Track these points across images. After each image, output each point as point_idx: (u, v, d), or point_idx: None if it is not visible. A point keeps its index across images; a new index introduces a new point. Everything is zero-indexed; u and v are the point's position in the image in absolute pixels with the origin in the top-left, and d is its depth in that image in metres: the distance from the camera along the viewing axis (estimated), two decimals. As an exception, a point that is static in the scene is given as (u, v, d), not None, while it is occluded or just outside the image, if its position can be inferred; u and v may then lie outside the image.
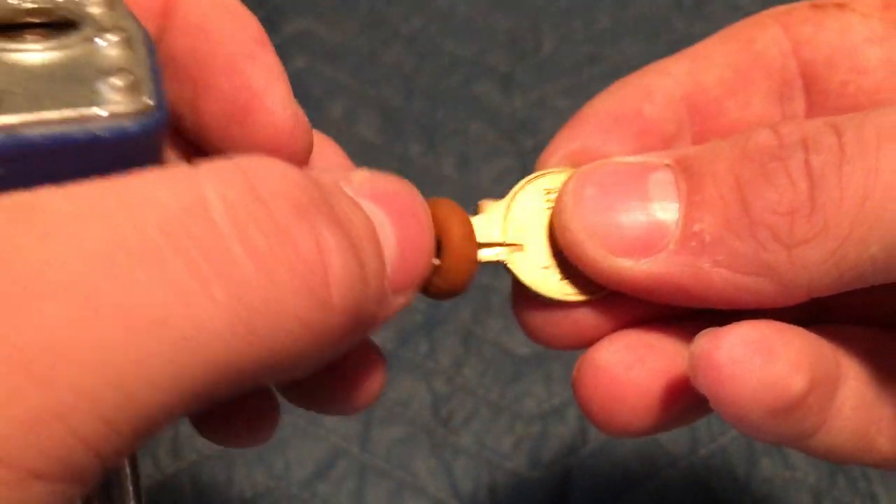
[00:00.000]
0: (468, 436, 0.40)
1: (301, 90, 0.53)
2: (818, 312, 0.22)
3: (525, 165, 0.49)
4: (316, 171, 0.18)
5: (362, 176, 0.18)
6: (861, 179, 0.18)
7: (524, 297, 0.22)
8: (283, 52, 0.55)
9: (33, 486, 0.13)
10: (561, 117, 0.51)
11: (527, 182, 0.22)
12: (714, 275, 0.19)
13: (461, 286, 0.21)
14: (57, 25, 0.19)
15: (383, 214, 0.18)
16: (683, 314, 0.21)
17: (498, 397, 0.41)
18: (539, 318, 0.22)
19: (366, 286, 0.16)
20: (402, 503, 0.38)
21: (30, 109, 0.16)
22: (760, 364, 0.18)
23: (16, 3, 0.19)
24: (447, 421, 0.40)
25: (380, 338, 0.43)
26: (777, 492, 0.38)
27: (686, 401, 0.20)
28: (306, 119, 0.21)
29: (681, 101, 0.22)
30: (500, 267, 0.50)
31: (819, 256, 0.18)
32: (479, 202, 0.22)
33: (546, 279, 0.21)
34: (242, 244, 0.14)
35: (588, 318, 0.21)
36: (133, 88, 0.17)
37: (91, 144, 0.16)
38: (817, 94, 0.22)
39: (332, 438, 0.40)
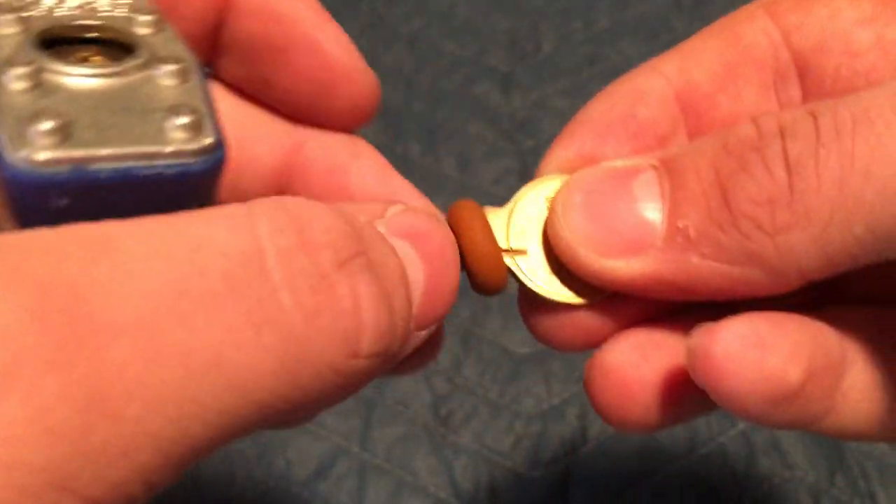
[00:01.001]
0: (468, 435, 0.40)
1: (301, 90, 0.53)
2: (827, 295, 0.22)
3: (525, 165, 0.49)
4: (354, 206, 0.19)
5: (396, 212, 0.19)
6: (837, 163, 0.18)
7: (530, 302, 0.22)
8: (284, 52, 0.56)
9: None
10: (561, 117, 0.51)
11: (527, 189, 0.22)
12: (703, 268, 0.19)
13: (493, 285, 0.21)
14: (106, 43, 0.19)
15: (414, 254, 0.19)
16: (687, 309, 0.22)
17: (497, 397, 0.41)
18: (546, 322, 0.22)
19: (393, 331, 0.17)
20: (402, 502, 0.38)
21: (98, 142, 0.16)
22: (755, 357, 0.18)
23: (63, 13, 0.19)
24: (447, 420, 0.40)
25: (380, 337, 0.43)
26: (776, 491, 0.38)
27: (694, 394, 0.20)
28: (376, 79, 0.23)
29: (673, 99, 0.22)
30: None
31: (804, 242, 0.18)
32: (483, 209, 0.22)
33: (549, 284, 0.21)
34: (291, 294, 0.15)
35: (594, 320, 0.22)
36: (196, 126, 0.17)
37: (154, 180, 0.17)
38: (812, 80, 0.22)
39: (332, 438, 0.40)
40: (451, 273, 0.19)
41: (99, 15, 0.19)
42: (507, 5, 0.56)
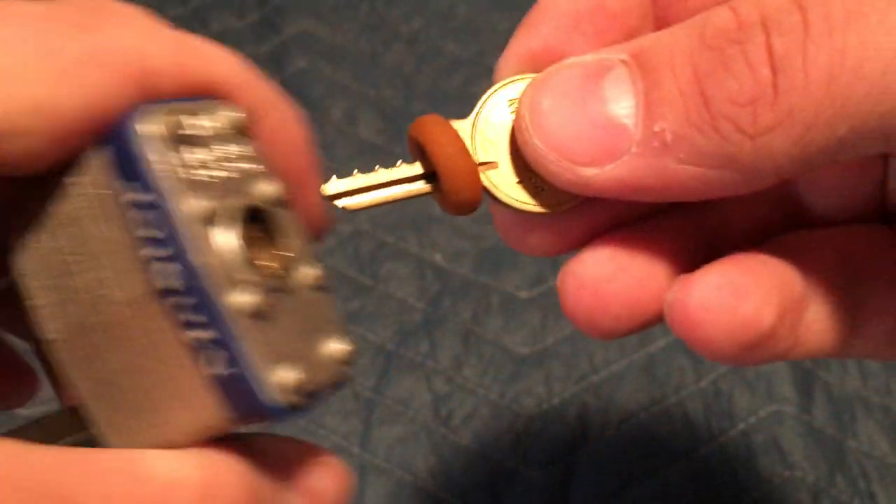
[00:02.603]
0: (468, 435, 0.40)
1: (302, 91, 0.53)
2: (793, 216, 0.22)
3: (525, 166, 0.49)
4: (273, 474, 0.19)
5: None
6: (826, 61, 0.17)
7: (503, 211, 0.22)
8: (284, 52, 0.56)
9: None
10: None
11: (489, 96, 0.21)
12: (680, 172, 0.19)
13: (470, 204, 0.20)
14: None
15: None
16: (659, 211, 0.21)
17: (498, 397, 0.41)
18: (520, 229, 0.22)
19: None
20: (402, 502, 0.38)
21: (316, 378, 0.19)
22: (730, 305, 0.19)
23: (235, 187, 0.19)
24: (447, 420, 0.40)
25: (380, 337, 0.43)
26: (776, 491, 0.38)
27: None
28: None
29: None
30: (500, 266, 0.50)
31: (785, 143, 0.18)
32: (450, 123, 0.21)
33: (521, 193, 0.21)
34: None
35: (567, 224, 0.21)
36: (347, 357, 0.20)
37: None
38: None
39: (332, 438, 0.40)
40: None
41: (249, 186, 0.19)
42: (507, 5, 0.56)
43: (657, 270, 0.21)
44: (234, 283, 0.17)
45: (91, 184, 0.17)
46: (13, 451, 0.15)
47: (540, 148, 0.19)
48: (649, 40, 0.19)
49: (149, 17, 0.18)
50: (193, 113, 0.18)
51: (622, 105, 0.19)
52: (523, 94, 0.20)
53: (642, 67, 0.19)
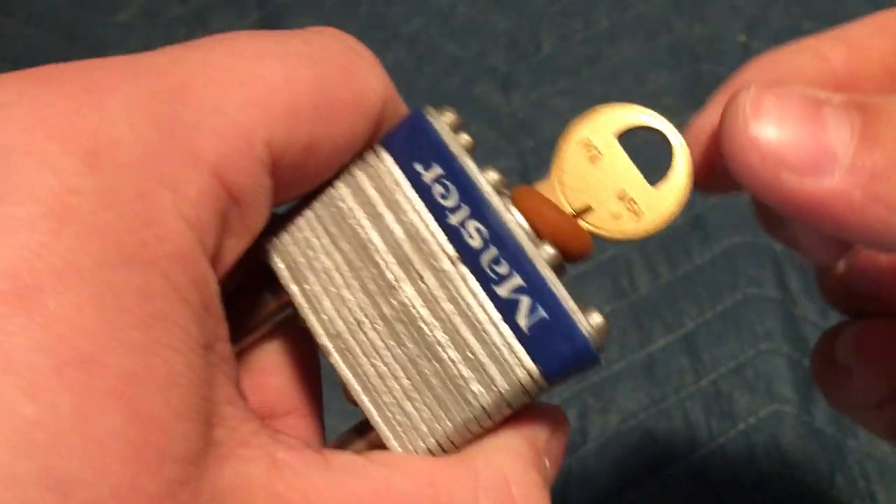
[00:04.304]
0: (468, 435, 0.40)
1: (301, 91, 0.53)
2: None
3: (525, 165, 0.49)
4: None
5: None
6: None
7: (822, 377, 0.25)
8: (284, 52, 0.56)
9: None
10: (560, 118, 0.51)
11: (562, 147, 0.22)
12: (875, 210, 0.19)
13: (582, 252, 0.22)
14: None
15: None
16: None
17: (498, 397, 0.41)
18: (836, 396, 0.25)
19: None
20: (402, 502, 0.38)
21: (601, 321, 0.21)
22: None
23: None
24: (447, 420, 0.40)
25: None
26: (776, 491, 0.38)
27: None
28: None
29: (833, 89, 0.22)
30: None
31: None
32: (534, 187, 0.22)
33: (623, 224, 0.22)
34: None
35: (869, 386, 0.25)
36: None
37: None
38: None
39: (333, 437, 0.40)
40: None
41: None
42: (507, 5, 0.56)
43: None
44: (534, 239, 0.20)
45: (375, 180, 0.20)
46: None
47: (756, 140, 0.20)
48: (863, 95, 0.20)
49: (374, 61, 0.21)
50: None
51: (840, 133, 0.20)
52: (740, 91, 0.21)
53: (860, 109, 0.20)
